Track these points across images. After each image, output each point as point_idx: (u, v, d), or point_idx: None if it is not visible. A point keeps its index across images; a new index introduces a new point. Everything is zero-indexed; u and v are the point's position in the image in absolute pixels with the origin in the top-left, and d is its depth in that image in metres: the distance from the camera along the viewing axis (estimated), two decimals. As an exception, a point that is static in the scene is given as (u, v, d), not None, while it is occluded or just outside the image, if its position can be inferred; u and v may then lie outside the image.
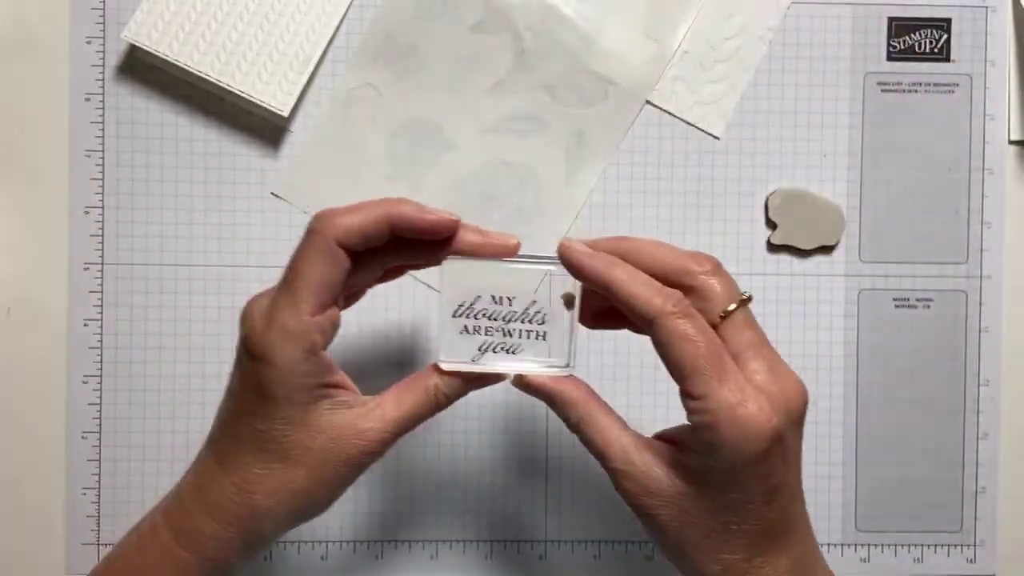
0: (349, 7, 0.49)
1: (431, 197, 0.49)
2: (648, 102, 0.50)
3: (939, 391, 0.50)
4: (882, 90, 0.50)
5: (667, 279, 0.36)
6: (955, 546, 0.50)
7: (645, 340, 0.36)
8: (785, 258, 0.50)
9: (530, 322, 0.38)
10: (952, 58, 0.50)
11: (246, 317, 0.36)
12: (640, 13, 0.49)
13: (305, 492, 0.36)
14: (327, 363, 0.36)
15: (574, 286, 0.38)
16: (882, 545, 0.50)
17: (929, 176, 0.50)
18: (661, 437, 0.37)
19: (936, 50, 0.50)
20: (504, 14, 0.49)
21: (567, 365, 0.38)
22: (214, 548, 0.36)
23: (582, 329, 0.39)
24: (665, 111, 0.50)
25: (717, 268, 0.36)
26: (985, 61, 0.50)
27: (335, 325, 0.36)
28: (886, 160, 0.50)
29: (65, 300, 0.49)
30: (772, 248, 0.49)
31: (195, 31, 0.47)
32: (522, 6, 0.49)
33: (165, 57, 0.47)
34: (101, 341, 0.49)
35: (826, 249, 0.47)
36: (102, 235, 0.49)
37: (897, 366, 0.50)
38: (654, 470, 0.36)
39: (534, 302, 0.38)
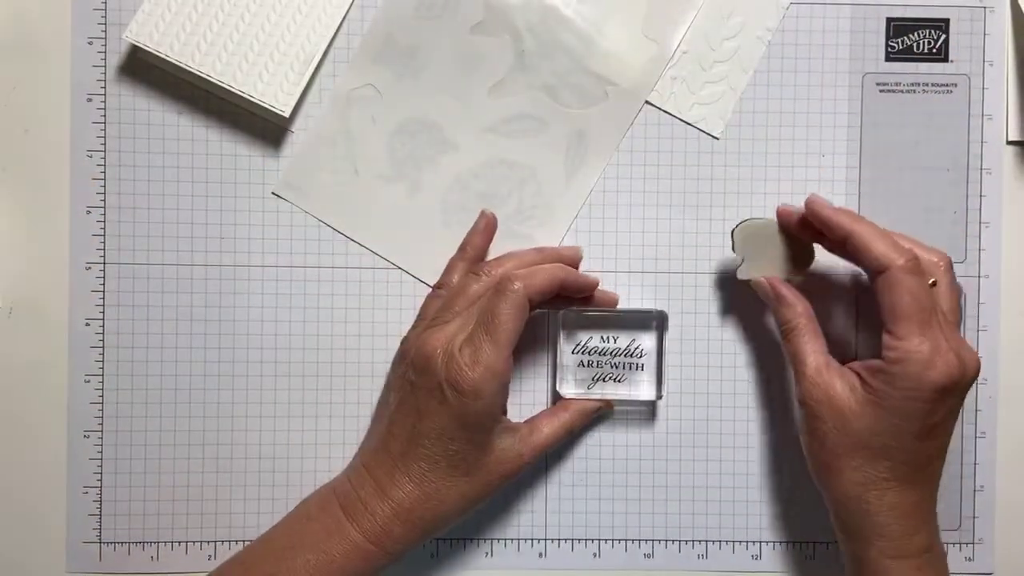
0: (350, 8, 0.49)
1: (431, 197, 0.50)
2: (648, 102, 0.50)
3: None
4: (881, 90, 0.50)
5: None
6: (953, 544, 0.50)
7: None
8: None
9: (630, 355, 0.49)
10: (950, 58, 0.50)
11: (447, 360, 0.42)
12: (640, 14, 0.49)
13: (475, 499, 0.44)
14: (507, 394, 0.44)
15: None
16: (881, 543, 0.50)
17: (927, 176, 0.50)
18: (851, 367, 0.44)
19: (934, 50, 0.50)
20: (504, 15, 0.49)
21: (659, 395, 0.49)
22: (400, 544, 0.44)
23: (673, 370, 0.50)
24: (664, 111, 0.50)
25: (927, 250, 0.44)
26: (983, 61, 0.50)
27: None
28: (885, 160, 0.50)
29: (66, 299, 0.49)
30: (739, 282, 0.49)
31: (196, 31, 0.48)
32: (522, 7, 0.49)
33: (166, 57, 0.47)
34: (103, 340, 0.49)
35: (792, 281, 0.47)
36: (103, 235, 0.49)
37: (896, 365, 0.50)
38: (838, 384, 0.43)
39: (633, 339, 0.49)
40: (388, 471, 0.44)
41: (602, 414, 0.49)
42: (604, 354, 0.49)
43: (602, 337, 0.49)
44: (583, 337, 0.49)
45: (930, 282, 0.43)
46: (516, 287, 0.43)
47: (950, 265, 0.44)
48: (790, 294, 0.46)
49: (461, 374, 0.42)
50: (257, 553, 0.44)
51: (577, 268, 0.49)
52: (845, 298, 0.50)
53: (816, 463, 0.44)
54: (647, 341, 0.49)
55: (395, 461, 0.44)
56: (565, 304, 0.48)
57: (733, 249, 0.47)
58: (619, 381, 0.49)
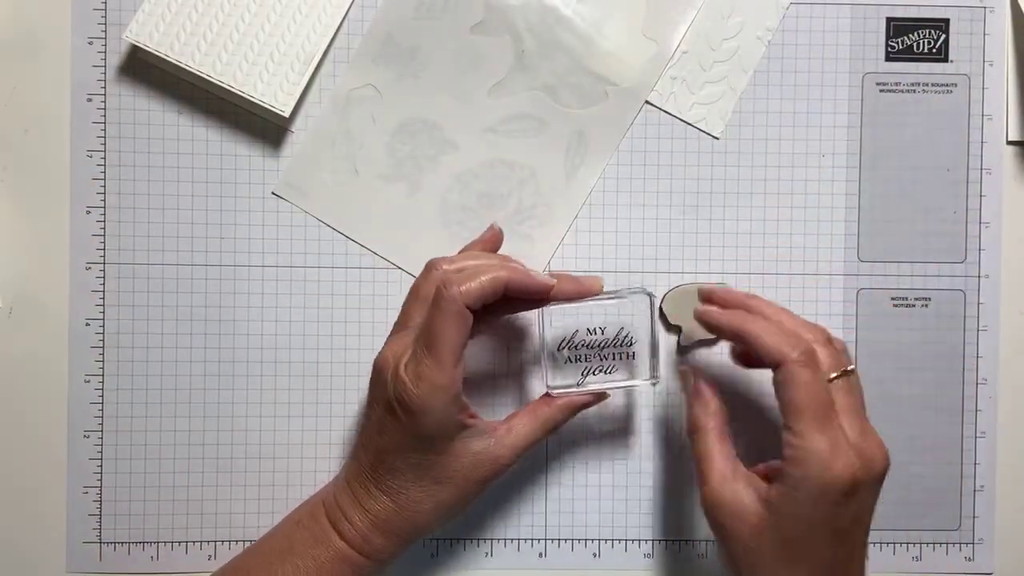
0: (350, 8, 0.49)
1: (431, 197, 0.50)
2: (647, 102, 0.50)
3: (937, 390, 0.50)
4: (881, 90, 0.50)
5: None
6: (953, 544, 0.50)
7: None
8: (784, 256, 0.50)
9: (620, 345, 0.46)
10: (950, 58, 0.50)
11: (393, 377, 0.42)
12: (639, 14, 0.49)
13: (454, 506, 0.44)
14: (463, 402, 0.42)
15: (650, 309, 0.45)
16: (880, 543, 0.50)
17: (927, 176, 0.50)
18: (756, 470, 0.43)
19: (934, 50, 0.50)
20: (504, 15, 0.49)
21: (654, 377, 0.46)
22: (384, 553, 0.44)
23: (665, 346, 0.49)
24: (664, 111, 0.50)
25: (828, 340, 0.42)
26: (983, 61, 0.50)
27: (465, 369, 0.42)
28: (884, 160, 0.50)
29: (66, 299, 0.49)
30: (682, 350, 0.49)
31: (196, 32, 0.48)
32: (522, 7, 0.49)
33: (166, 57, 0.47)
34: (103, 340, 0.49)
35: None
36: (103, 234, 0.49)
37: (895, 365, 0.50)
38: (742, 493, 0.41)
39: (622, 328, 0.46)
40: (363, 483, 0.44)
41: (593, 405, 0.46)
42: (592, 347, 0.47)
43: (588, 330, 0.46)
44: (569, 332, 0.46)
45: (831, 376, 0.41)
46: (451, 294, 0.41)
47: (829, 338, 0.42)
48: (707, 392, 0.44)
49: (406, 393, 0.41)
50: (252, 558, 0.45)
51: (594, 294, 0.45)
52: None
53: (732, 571, 0.42)
54: (637, 326, 0.46)
55: (367, 474, 0.44)
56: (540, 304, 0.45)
57: (665, 320, 0.48)
58: (609, 372, 0.47)
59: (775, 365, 0.40)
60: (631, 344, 0.46)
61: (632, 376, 0.46)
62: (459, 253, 0.47)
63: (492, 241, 0.48)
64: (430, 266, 0.44)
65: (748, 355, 0.46)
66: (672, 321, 0.48)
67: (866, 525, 0.41)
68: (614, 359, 0.46)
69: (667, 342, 0.50)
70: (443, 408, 0.41)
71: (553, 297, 0.44)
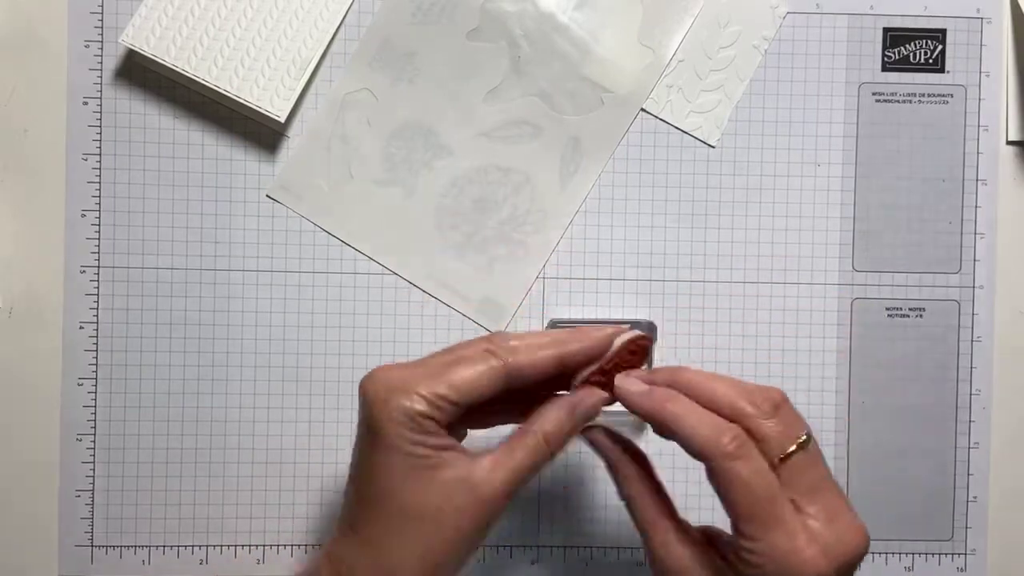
0: (347, 13, 0.49)
1: (426, 201, 0.50)
2: (643, 110, 0.50)
3: (931, 400, 0.50)
4: (877, 100, 0.50)
5: (725, 417, 0.35)
6: (946, 554, 0.50)
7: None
8: (779, 265, 0.50)
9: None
10: (947, 69, 0.50)
11: (374, 399, 0.36)
12: (636, 21, 0.49)
13: (430, 557, 0.35)
14: (427, 419, 0.35)
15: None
16: (873, 553, 0.50)
17: (923, 186, 0.50)
18: (707, 533, 0.37)
19: (931, 61, 0.50)
20: (500, 21, 0.49)
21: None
22: None
23: None
24: (660, 119, 0.50)
25: (775, 408, 0.36)
26: (980, 72, 0.50)
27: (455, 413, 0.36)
28: (880, 170, 0.50)
29: (61, 303, 0.49)
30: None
31: (192, 36, 0.48)
32: (518, 14, 0.49)
33: (162, 62, 0.47)
34: (97, 344, 0.49)
35: None
36: (98, 238, 0.49)
37: (889, 375, 0.50)
38: (688, 563, 0.36)
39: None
40: (341, 520, 0.37)
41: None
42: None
43: None
44: None
45: (784, 455, 0.35)
46: (508, 346, 0.36)
47: (777, 406, 0.36)
48: (617, 458, 0.38)
49: (371, 383, 0.36)
50: None
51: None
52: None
53: None
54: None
55: (344, 533, 0.37)
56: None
57: None
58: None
59: (704, 461, 0.34)
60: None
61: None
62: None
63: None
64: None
65: None
66: None
67: None
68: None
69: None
70: (399, 396, 0.35)
71: (546, 363, 0.37)
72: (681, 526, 0.37)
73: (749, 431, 0.35)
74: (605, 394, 0.38)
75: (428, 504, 0.35)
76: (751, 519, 0.34)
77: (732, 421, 0.35)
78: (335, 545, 0.37)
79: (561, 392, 0.39)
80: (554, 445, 0.37)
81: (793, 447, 0.35)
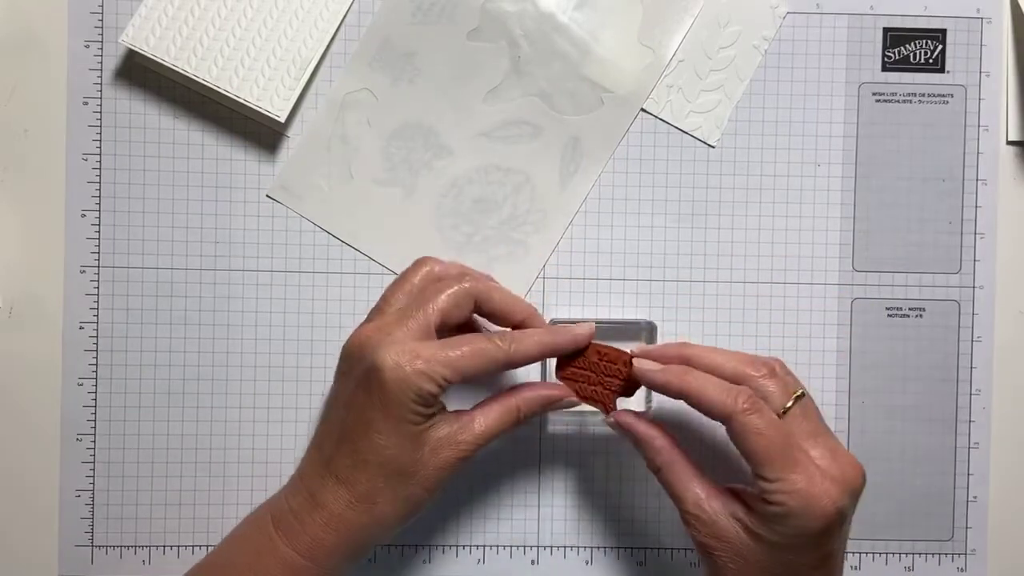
0: (347, 13, 0.49)
1: (425, 201, 0.50)
2: (643, 110, 0.50)
3: (931, 400, 0.50)
4: (877, 100, 0.50)
5: (730, 382, 0.41)
6: (946, 555, 0.50)
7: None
8: (779, 265, 0.50)
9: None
10: (947, 69, 0.50)
11: (372, 348, 0.40)
12: (636, 21, 0.49)
13: (412, 501, 0.41)
14: (438, 384, 0.40)
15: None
16: (873, 553, 0.50)
17: (923, 186, 0.50)
18: (733, 489, 0.42)
19: (931, 61, 0.50)
20: (500, 21, 0.49)
21: (648, 403, 0.47)
22: (334, 558, 0.41)
23: None
24: (660, 119, 0.50)
25: (772, 371, 0.42)
26: (980, 72, 0.50)
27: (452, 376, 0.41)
28: (880, 170, 0.50)
29: (61, 302, 0.49)
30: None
31: (192, 36, 0.48)
32: (518, 14, 0.49)
33: (162, 61, 0.47)
34: (96, 344, 0.49)
35: None
36: (98, 238, 0.49)
37: (889, 375, 0.50)
38: (722, 519, 0.41)
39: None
40: (320, 476, 0.41)
41: (562, 406, 0.45)
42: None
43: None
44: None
45: (784, 409, 0.41)
46: (444, 277, 0.42)
47: (773, 369, 0.42)
48: (649, 434, 0.43)
49: (383, 349, 0.40)
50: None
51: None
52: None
53: None
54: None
55: (326, 463, 0.41)
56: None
57: None
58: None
59: (723, 420, 0.40)
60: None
61: (627, 404, 0.46)
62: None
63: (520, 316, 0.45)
64: (423, 261, 0.45)
65: None
66: None
67: (846, 538, 0.42)
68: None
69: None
70: (415, 377, 0.39)
71: (540, 354, 0.43)
72: (710, 486, 0.42)
73: (753, 390, 0.41)
74: (574, 396, 0.45)
75: (418, 461, 0.41)
76: (771, 463, 0.39)
77: (737, 383, 0.41)
78: (323, 493, 0.41)
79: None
80: (525, 419, 0.44)
81: (791, 402, 0.41)
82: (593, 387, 0.45)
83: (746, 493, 0.41)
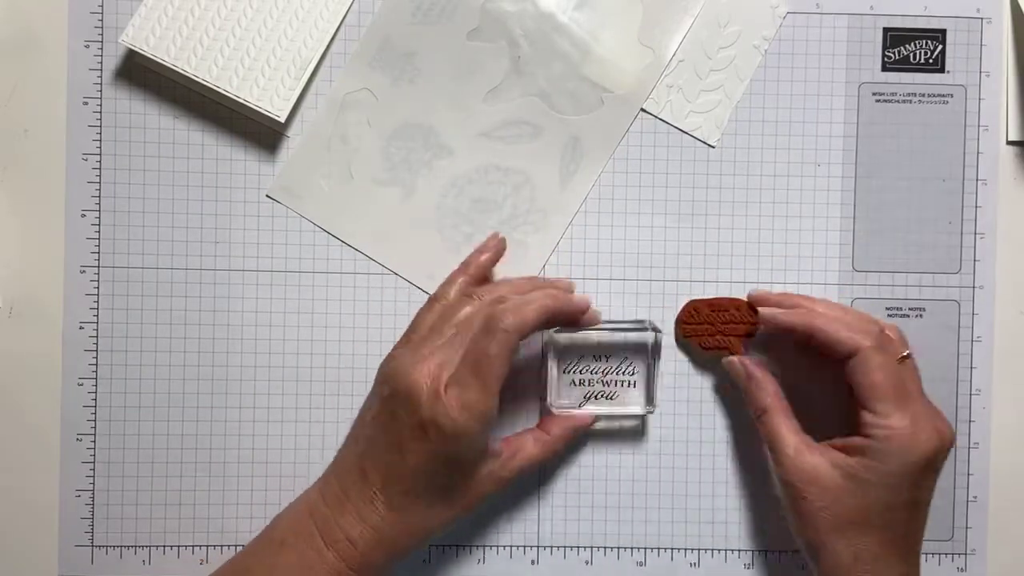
0: (347, 13, 0.49)
1: (426, 201, 0.50)
2: (643, 110, 0.50)
3: (931, 399, 0.50)
4: (877, 100, 0.50)
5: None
6: (946, 555, 0.50)
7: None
8: (779, 266, 0.50)
9: (622, 373, 0.49)
10: (947, 69, 0.50)
11: (432, 399, 0.41)
12: (636, 21, 0.49)
13: (453, 521, 0.44)
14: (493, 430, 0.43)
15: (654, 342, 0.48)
16: (873, 553, 0.50)
17: (923, 186, 0.50)
18: (828, 444, 0.45)
19: (931, 61, 0.50)
20: (500, 21, 0.49)
21: (650, 406, 0.48)
22: (379, 570, 0.44)
23: (666, 377, 0.50)
24: (660, 119, 0.50)
25: (882, 329, 0.45)
26: (980, 72, 0.50)
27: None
28: (880, 170, 0.50)
29: (61, 302, 0.49)
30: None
31: (192, 36, 0.48)
32: (518, 14, 0.49)
33: (162, 62, 0.47)
34: (97, 343, 0.49)
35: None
36: (98, 238, 0.49)
37: (889, 375, 0.50)
38: (821, 463, 0.43)
39: (626, 358, 0.49)
40: (368, 499, 0.43)
41: (589, 430, 0.49)
42: (595, 372, 0.49)
43: (594, 356, 0.49)
44: (574, 356, 0.49)
45: (899, 357, 0.44)
46: (506, 325, 0.41)
47: (885, 325, 0.45)
48: (761, 374, 0.47)
49: (447, 416, 0.41)
50: None
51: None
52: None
53: (805, 540, 0.44)
54: (640, 357, 0.48)
55: (374, 490, 0.43)
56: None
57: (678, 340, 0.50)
58: (611, 398, 0.49)
59: (851, 353, 0.43)
60: (633, 373, 0.49)
61: (631, 403, 0.49)
62: (471, 266, 0.48)
63: (497, 252, 0.49)
64: (467, 292, 0.46)
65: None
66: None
67: (932, 494, 0.44)
68: (615, 386, 0.49)
69: (674, 366, 0.50)
70: (479, 436, 0.42)
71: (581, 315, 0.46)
72: (807, 437, 0.45)
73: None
74: (593, 422, 0.49)
75: (467, 492, 0.44)
76: (886, 398, 0.43)
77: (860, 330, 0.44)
78: (378, 523, 0.43)
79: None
80: (557, 450, 0.48)
81: (906, 352, 0.45)
82: (714, 337, 0.48)
83: (846, 444, 0.44)
